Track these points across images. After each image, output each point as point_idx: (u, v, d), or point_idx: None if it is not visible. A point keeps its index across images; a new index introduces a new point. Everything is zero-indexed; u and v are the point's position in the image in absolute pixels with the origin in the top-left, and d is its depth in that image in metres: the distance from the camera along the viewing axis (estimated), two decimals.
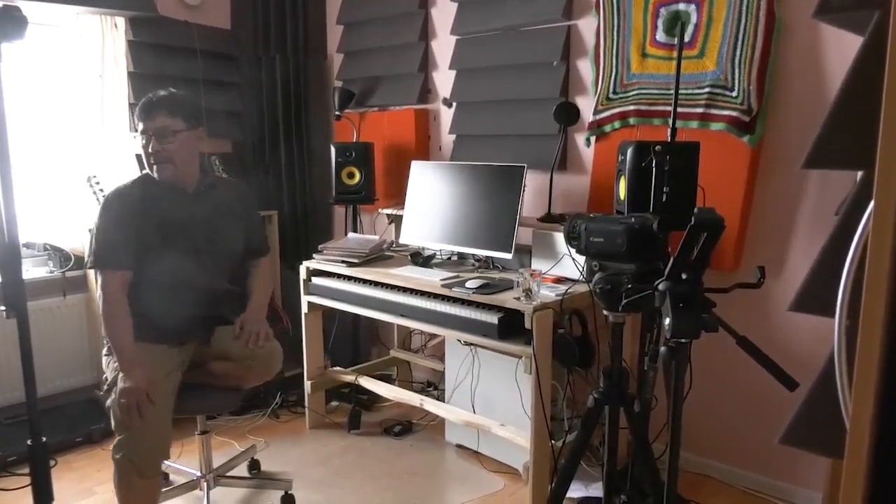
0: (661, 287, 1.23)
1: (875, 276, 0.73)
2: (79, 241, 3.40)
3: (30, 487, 1.37)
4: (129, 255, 2.23)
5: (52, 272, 3.32)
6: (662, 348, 1.25)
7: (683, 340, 1.23)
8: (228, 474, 2.77)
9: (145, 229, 2.24)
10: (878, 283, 0.73)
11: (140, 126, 2.23)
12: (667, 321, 1.19)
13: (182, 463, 2.80)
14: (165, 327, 2.28)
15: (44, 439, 1.17)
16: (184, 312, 2.31)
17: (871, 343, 0.74)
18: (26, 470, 2.84)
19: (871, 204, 0.73)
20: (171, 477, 2.78)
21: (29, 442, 1.19)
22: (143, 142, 2.24)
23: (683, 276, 1.19)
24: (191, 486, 2.61)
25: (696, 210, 1.12)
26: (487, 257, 3.04)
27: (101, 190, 3.25)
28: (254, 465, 2.94)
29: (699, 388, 2.61)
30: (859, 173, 0.91)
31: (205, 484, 2.60)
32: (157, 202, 2.27)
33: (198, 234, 2.34)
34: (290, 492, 2.66)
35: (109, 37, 3.45)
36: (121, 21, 3.47)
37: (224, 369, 2.39)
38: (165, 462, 2.81)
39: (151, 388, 2.12)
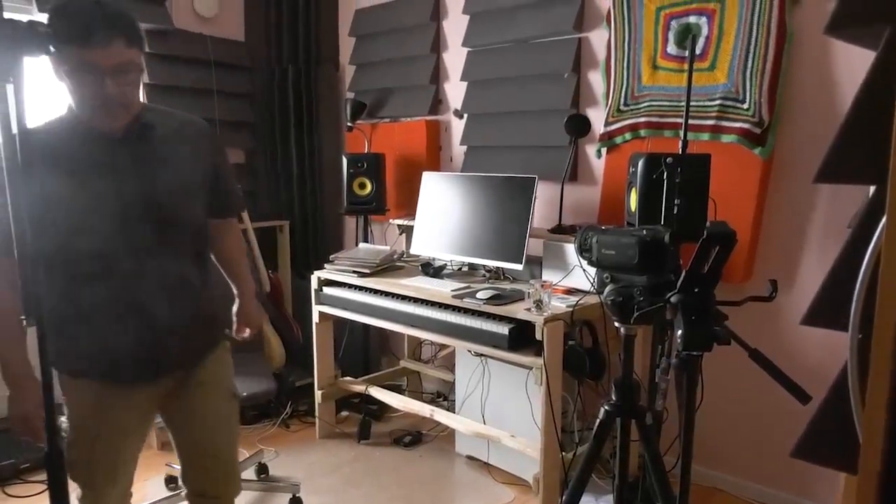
0: (673, 300, 1.23)
1: (888, 291, 0.74)
2: None
3: (44, 494, 1.39)
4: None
5: None
6: (674, 361, 1.26)
7: (695, 353, 1.23)
8: None
9: (56, 190, 1.50)
10: (890, 298, 0.73)
11: (76, 55, 1.42)
12: (679, 333, 1.19)
13: None
14: (107, 350, 1.60)
15: (61, 447, 1.18)
16: (135, 323, 1.59)
17: (883, 357, 0.75)
18: (39, 477, 2.88)
19: (884, 219, 0.73)
20: (180, 481, 2.79)
21: (45, 450, 1.20)
22: (84, 80, 1.46)
23: (696, 289, 1.20)
24: None
25: (708, 223, 1.13)
26: (498, 268, 3.05)
27: None
28: (262, 470, 2.95)
29: (711, 401, 2.60)
30: (872, 188, 0.91)
31: None
32: (75, 151, 1.55)
33: (136, 198, 1.57)
34: (297, 495, 2.66)
35: None
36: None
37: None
38: (174, 465, 2.82)
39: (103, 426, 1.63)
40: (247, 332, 1.99)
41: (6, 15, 1.11)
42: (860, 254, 0.88)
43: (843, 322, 0.91)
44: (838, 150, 0.84)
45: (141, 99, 1.64)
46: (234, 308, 1.98)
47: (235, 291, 1.98)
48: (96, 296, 1.56)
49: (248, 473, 2.90)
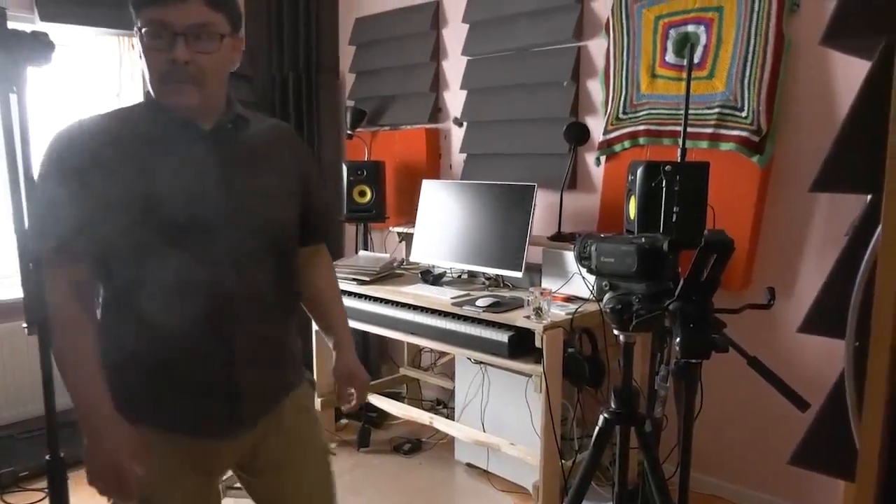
0: (671, 307, 1.24)
1: (884, 299, 0.74)
2: None
3: (44, 502, 1.39)
4: (88, 237, 1.22)
5: None
6: (673, 368, 1.26)
7: (694, 360, 1.24)
8: (236, 485, 2.78)
9: (124, 192, 1.22)
10: (886, 306, 0.74)
11: (149, 15, 1.21)
12: (677, 341, 1.19)
13: None
14: (182, 390, 1.30)
15: (62, 455, 1.19)
16: (216, 357, 1.30)
17: (880, 365, 0.75)
18: (39, 485, 2.88)
19: (879, 228, 0.74)
20: None
21: (47, 458, 1.20)
22: (155, 42, 1.22)
23: (694, 297, 1.20)
24: None
25: (706, 232, 1.14)
26: (498, 276, 3.05)
27: None
28: None
29: (710, 409, 2.59)
30: (868, 196, 0.92)
31: None
32: (150, 145, 1.27)
33: (221, 199, 1.29)
34: None
35: (127, 57, 3.52)
36: (137, 42, 3.53)
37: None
38: None
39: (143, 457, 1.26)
40: (354, 398, 1.60)
41: (9, 25, 1.12)
42: (856, 262, 0.89)
43: (840, 330, 0.92)
44: (834, 159, 0.85)
45: (224, 86, 1.35)
46: (333, 365, 1.61)
47: (331, 343, 1.61)
48: (168, 322, 1.23)
49: None
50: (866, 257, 0.80)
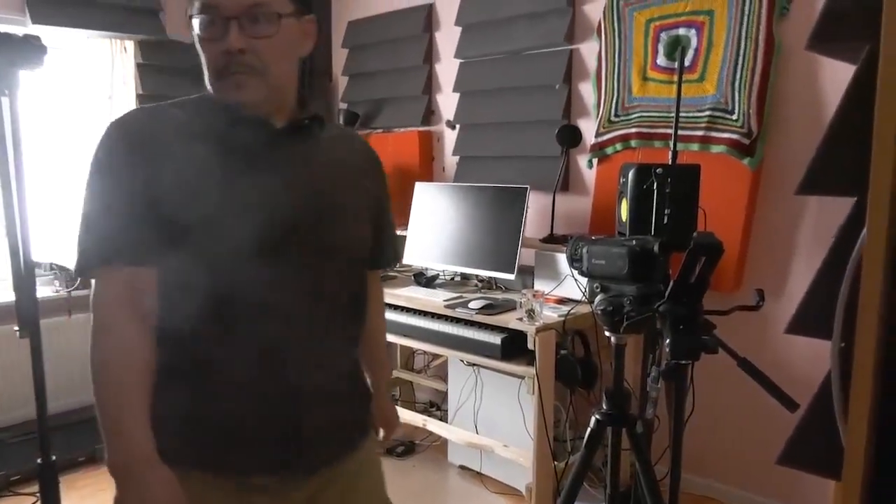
0: (661, 309, 1.25)
1: (868, 301, 0.75)
2: None
3: None
4: (148, 240, 1.04)
5: (57, 291, 3.35)
6: (662, 370, 1.27)
7: (683, 362, 1.25)
8: None
9: (189, 192, 1.05)
10: (871, 308, 0.75)
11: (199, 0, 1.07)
12: (667, 343, 1.20)
13: None
14: (236, 424, 1.08)
15: (53, 458, 1.18)
16: (278, 390, 1.10)
17: (865, 366, 0.76)
18: (30, 489, 2.86)
19: (864, 231, 0.75)
20: None
21: (39, 461, 1.20)
22: (207, 31, 1.08)
23: (683, 299, 1.21)
24: None
25: (695, 234, 1.15)
26: (490, 278, 3.06)
27: None
28: None
29: (702, 410, 2.61)
30: (854, 199, 0.93)
31: None
32: (220, 142, 1.09)
33: (299, 209, 1.12)
34: None
35: (119, 59, 3.52)
36: (130, 44, 3.53)
37: None
38: None
39: None
40: (380, 437, 1.47)
41: (1, 28, 1.12)
42: (842, 264, 0.90)
43: (826, 331, 0.93)
44: (820, 162, 0.86)
45: (295, 77, 1.18)
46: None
47: (369, 380, 1.37)
48: (223, 347, 1.06)
49: None
50: (851, 259, 0.82)
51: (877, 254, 0.75)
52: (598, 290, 1.61)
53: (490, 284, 3.07)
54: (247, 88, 1.06)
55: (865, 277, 0.75)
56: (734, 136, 2.52)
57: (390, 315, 2.87)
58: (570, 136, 2.89)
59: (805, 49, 0.94)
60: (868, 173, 0.75)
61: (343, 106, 4.06)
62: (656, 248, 1.45)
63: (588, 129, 3.00)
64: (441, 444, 3.27)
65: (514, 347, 2.45)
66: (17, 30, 3.14)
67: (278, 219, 1.07)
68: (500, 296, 2.87)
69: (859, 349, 0.78)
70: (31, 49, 1.07)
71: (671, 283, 1.23)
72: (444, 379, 3.34)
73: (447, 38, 3.57)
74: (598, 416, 1.72)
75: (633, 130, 2.82)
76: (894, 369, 0.75)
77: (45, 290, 3.36)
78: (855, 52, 0.89)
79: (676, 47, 2.66)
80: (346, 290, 1.19)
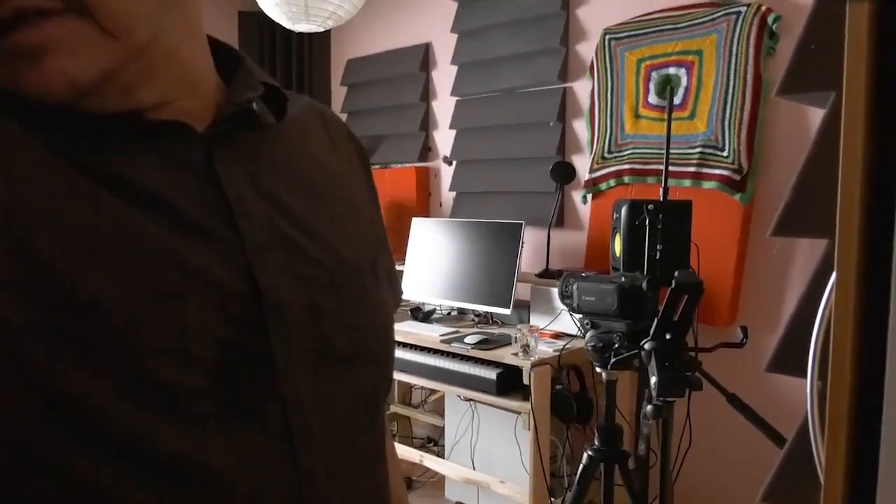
0: (646, 347, 1.26)
1: (840, 344, 0.77)
2: None
3: None
4: None
5: None
6: (649, 407, 1.28)
7: (670, 399, 1.26)
8: None
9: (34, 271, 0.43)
10: (843, 351, 0.77)
11: None
12: (653, 380, 1.22)
13: None
14: None
15: None
16: None
17: (839, 404, 0.78)
18: None
19: (833, 275, 0.77)
20: None
21: None
22: None
23: (668, 336, 1.23)
24: None
25: (676, 273, 1.17)
26: (487, 312, 3.07)
27: None
28: None
29: (700, 445, 2.60)
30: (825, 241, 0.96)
31: None
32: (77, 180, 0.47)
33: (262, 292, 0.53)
34: None
35: None
36: None
37: None
38: None
39: None
40: None
41: None
42: (817, 302, 0.93)
43: (804, 369, 0.95)
44: (792, 205, 0.89)
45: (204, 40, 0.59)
46: None
47: None
48: None
49: None
50: (823, 304, 0.84)
51: (846, 297, 0.77)
52: (589, 326, 1.63)
53: (486, 319, 3.09)
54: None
55: (836, 322, 0.78)
56: (725, 173, 2.55)
57: None
58: (565, 173, 2.93)
59: (775, 95, 0.97)
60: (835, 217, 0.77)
61: None
62: (645, 285, 1.47)
63: (582, 165, 3.04)
64: (438, 480, 3.24)
65: (509, 382, 2.45)
66: None
67: (229, 307, 0.51)
68: (496, 330, 2.89)
69: (833, 389, 0.80)
70: None
71: (654, 321, 1.25)
72: (441, 414, 3.33)
73: (444, 76, 3.64)
74: (590, 452, 1.72)
75: (627, 167, 2.86)
76: (869, 409, 0.77)
77: None
78: (822, 99, 0.93)
79: (666, 86, 2.72)
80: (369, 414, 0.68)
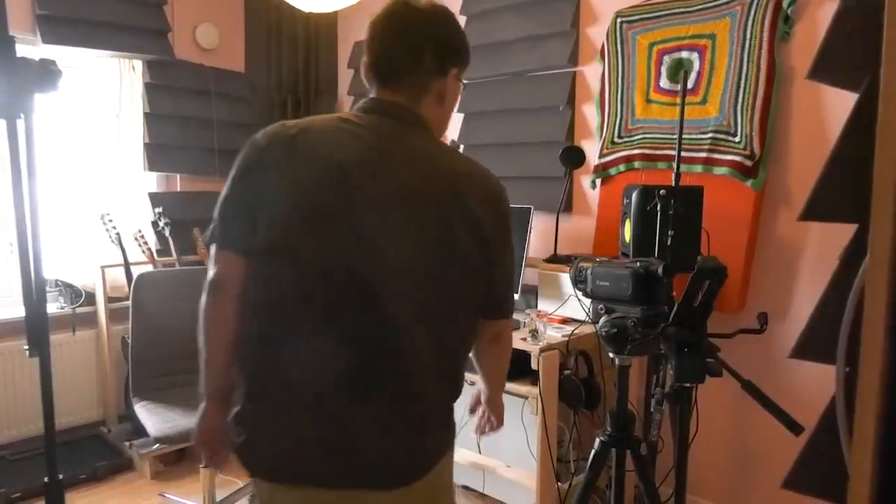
0: (666, 332, 1.25)
1: (872, 328, 0.76)
2: (90, 277, 3.45)
3: None
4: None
5: (62, 308, 3.36)
6: (668, 392, 1.27)
7: (688, 384, 1.25)
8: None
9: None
10: (875, 334, 0.76)
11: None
12: (672, 366, 1.21)
13: (185, 496, 2.79)
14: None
15: (61, 477, 1.19)
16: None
17: (869, 392, 0.77)
18: None
19: (867, 258, 0.76)
20: None
21: (46, 479, 1.20)
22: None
23: (687, 322, 1.22)
24: None
25: (699, 258, 1.16)
26: None
27: (115, 227, 3.31)
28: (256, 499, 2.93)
29: (706, 432, 2.60)
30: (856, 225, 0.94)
31: None
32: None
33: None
34: None
35: (127, 78, 3.55)
36: (138, 64, 3.57)
37: None
38: (166, 495, 2.82)
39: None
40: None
41: (17, 52, 1.15)
42: (846, 289, 0.91)
43: (831, 356, 0.94)
44: (822, 190, 0.87)
45: None
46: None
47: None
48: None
49: (243, 503, 2.88)
50: (855, 285, 0.82)
51: (880, 281, 0.76)
52: (603, 311, 1.62)
53: None
54: None
55: (868, 304, 0.77)
56: (737, 158, 2.53)
57: None
58: (574, 157, 2.91)
59: (806, 78, 0.96)
60: (869, 200, 0.76)
61: None
62: (660, 270, 1.46)
63: (591, 150, 3.02)
64: None
65: (517, 367, 2.44)
66: (30, 50, 3.19)
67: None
68: None
69: (863, 376, 0.79)
70: (46, 73, 1.09)
71: (675, 306, 1.24)
72: None
73: None
74: (602, 438, 1.72)
75: (637, 152, 2.84)
76: None
77: (49, 306, 3.37)
78: (856, 81, 0.91)
79: (679, 70, 2.69)
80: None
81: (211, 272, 1.26)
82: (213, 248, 1.27)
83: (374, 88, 1.34)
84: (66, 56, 3.35)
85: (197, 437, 1.34)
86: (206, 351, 1.29)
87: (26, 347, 1.16)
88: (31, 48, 3.21)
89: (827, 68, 0.87)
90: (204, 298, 1.27)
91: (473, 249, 1.23)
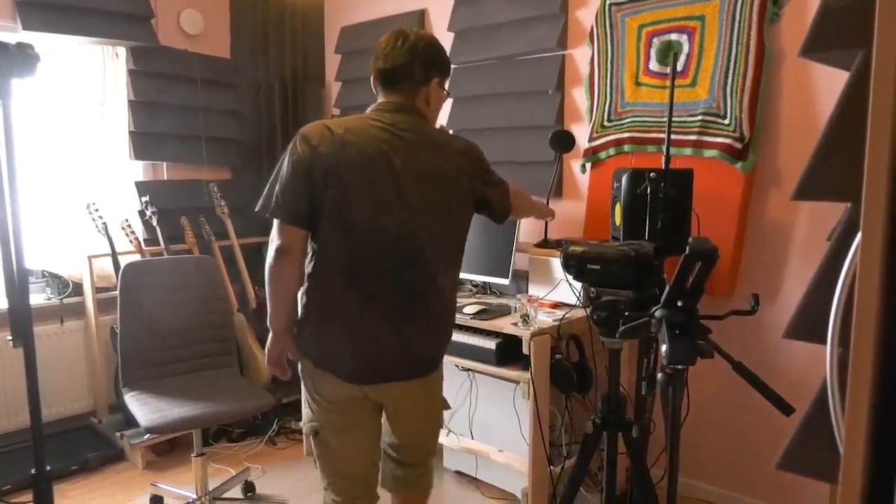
0: (657, 314, 1.25)
1: (864, 308, 0.76)
2: (77, 268, 3.41)
3: None
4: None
5: (49, 299, 3.33)
6: (659, 374, 1.27)
7: (680, 367, 1.25)
8: (224, 496, 2.77)
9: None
10: (867, 315, 0.75)
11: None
12: (664, 348, 1.21)
13: (178, 486, 2.79)
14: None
15: (48, 469, 1.18)
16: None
17: (862, 371, 0.76)
18: (20, 499, 2.84)
19: (858, 236, 0.75)
20: (167, 500, 2.78)
21: (33, 471, 1.19)
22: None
23: (679, 304, 1.22)
24: None
25: (690, 240, 1.15)
26: (485, 283, 3.06)
27: (101, 217, 3.27)
28: (249, 488, 2.93)
29: (697, 413, 2.61)
30: (848, 204, 0.94)
31: None
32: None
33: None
34: None
35: (111, 66, 3.50)
36: (122, 50, 3.52)
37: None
38: (158, 484, 2.82)
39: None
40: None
41: None
42: (838, 268, 0.91)
43: (823, 335, 0.93)
44: (814, 168, 0.87)
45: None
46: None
47: None
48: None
49: (235, 492, 2.88)
50: (846, 265, 0.82)
51: (872, 259, 0.75)
52: (594, 295, 1.62)
53: (485, 289, 3.07)
54: None
55: (861, 283, 0.76)
56: (726, 141, 2.53)
57: None
58: (564, 141, 2.90)
59: (798, 56, 0.95)
60: (861, 179, 0.75)
61: (336, 112, 4.06)
62: (651, 253, 1.45)
63: (581, 134, 3.01)
64: (437, 450, 3.25)
65: (508, 352, 2.45)
66: (9, 37, 3.13)
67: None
68: (494, 301, 2.87)
69: (855, 356, 0.78)
70: (24, 58, 1.06)
71: (667, 288, 1.24)
72: None
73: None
74: (594, 421, 1.72)
75: (627, 135, 2.83)
76: (892, 375, 0.75)
77: (36, 297, 3.34)
78: (848, 59, 0.90)
79: (668, 53, 2.68)
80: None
81: (277, 241, 1.70)
82: (276, 223, 1.71)
83: (381, 94, 1.82)
84: (48, 43, 3.29)
85: (269, 358, 1.89)
86: (275, 299, 1.78)
87: (9, 338, 1.14)
88: (12, 36, 3.15)
89: (819, 46, 0.86)
90: (271, 261, 1.72)
91: (468, 184, 1.79)
